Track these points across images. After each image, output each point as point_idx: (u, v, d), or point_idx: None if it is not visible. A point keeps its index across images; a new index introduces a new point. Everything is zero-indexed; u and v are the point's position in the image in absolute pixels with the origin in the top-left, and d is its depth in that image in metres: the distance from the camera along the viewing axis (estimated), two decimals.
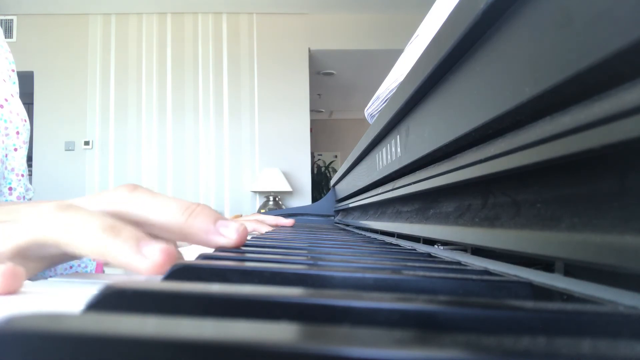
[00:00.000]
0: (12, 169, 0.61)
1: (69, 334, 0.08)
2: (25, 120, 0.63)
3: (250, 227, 0.77)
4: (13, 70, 0.67)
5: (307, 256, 0.29)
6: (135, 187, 0.26)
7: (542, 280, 0.19)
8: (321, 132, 6.09)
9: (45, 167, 3.43)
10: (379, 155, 0.62)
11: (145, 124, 3.50)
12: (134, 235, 0.21)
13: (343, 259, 0.26)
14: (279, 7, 3.52)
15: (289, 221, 0.86)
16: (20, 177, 0.62)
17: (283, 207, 3.35)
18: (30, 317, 0.09)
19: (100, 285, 0.13)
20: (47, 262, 0.26)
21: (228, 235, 0.25)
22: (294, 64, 3.56)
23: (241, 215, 0.76)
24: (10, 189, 0.61)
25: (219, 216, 0.26)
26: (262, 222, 0.79)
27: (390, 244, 0.46)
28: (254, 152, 3.52)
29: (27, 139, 0.64)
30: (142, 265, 0.21)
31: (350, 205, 0.94)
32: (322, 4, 3.49)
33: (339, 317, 0.12)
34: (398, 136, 0.49)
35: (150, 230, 0.25)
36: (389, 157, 0.55)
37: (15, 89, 0.66)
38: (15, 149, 0.61)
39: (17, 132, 0.61)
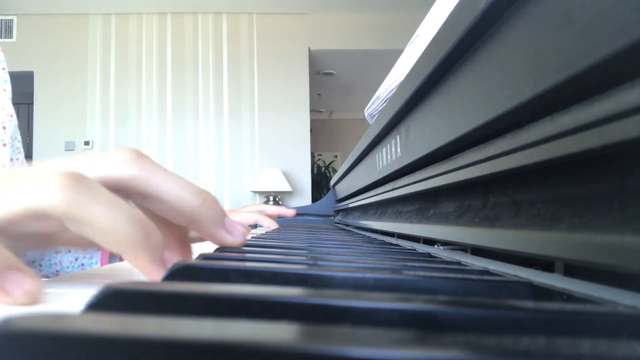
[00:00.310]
0: (3, 165, 0.61)
1: (69, 334, 0.08)
2: (11, 116, 0.63)
3: (252, 218, 0.77)
4: (4, 69, 0.67)
5: (307, 256, 0.29)
6: (141, 155, 0.23)
7: (542, 280, 0.19)
8: (321, 132, 6.09)
9: None
10: (379, 155, 0.62)
11: (145, 124, 3.50)
12: (161, 243, 0.21)
13: (343, 259, 0.26)
14: (279, 7, 3.52)
15: (291, 211, 0.86)
16: None
17: (283, 207, 3.35)
18: (30, 317, 0.09)
19: (100, 286, 0.13)
20: (29, 243, 0.23)
21: (235, 234, 0.25)
22: (294, 64, 3.56)
23: (236, 210, 0.75)
24: None
25: (226, 213, 0.26)
26: (263, 212, 0.79)
27: (390, 244, 0.46)
28: (254, 152, 3.52)
29: (15, 134, 0.64)
30: (159, 277, 0.20)
31: (350, 205, 0.94)
32: (322, 4, 3.49)
33: (339, 317, 0.12)
34: (398, 136, 0.49)
35: (155, 206, 0.23)
36: (389, 157, 0.55)
37: (5, 86, 0.66)
38: (4, 144, 0.61)
39: (4, 127, 0.61)
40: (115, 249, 0.20)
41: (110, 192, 0.20)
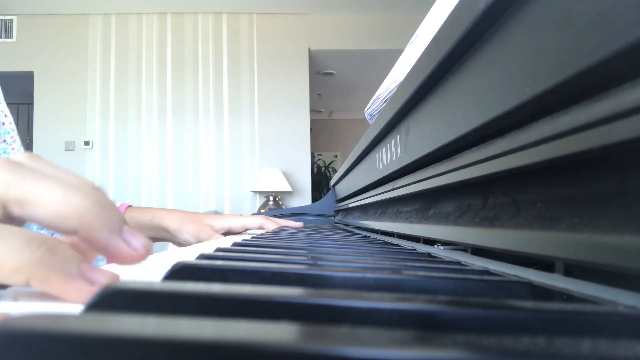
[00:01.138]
0: None
1: (69, 334, 0.08)
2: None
3: (257, 222, 0.78)
4: None
5: (307, 256, 0.29)
6: (14, 162, 0.19)
7: (542, 280, 0.19)
8: (321, 132, 6.09)
9: None
10: (379, 155, 0.62)
11: (145, 124, 3.50)
12: (74, 255, 0.17)
13: (343, 259, 0.26)
14: (279, 7, 3.51)
15: (299, 224, 0.86)
16: None
17: (283, 207, 3.35)
18: (30, 317, 0.09)
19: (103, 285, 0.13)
20: None
21: (134, 246, 0.20)
22: (294, 64, 3.56)
23: (241, 215, 0.75)
24: None
25: (126, 221, 0.21)
26: (270, 219, 0.79)
27: (390, 244, 0.46)
28: (254, 152, 3.51)
29: (4, 137, 0.64)
30: (83, 294, 0.16)
31: (350, 205, 0.94)
32: (322, 4, 3.48)
33: (339, 317, 0.12)
34: (398, 136, 0.49)
35: (36, 213, 0.19)
36: (389, 157, 0.55)
37: None
38: None
39: None
40: (69, 225, 0.18)
41: None
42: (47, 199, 0.18)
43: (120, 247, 0.19)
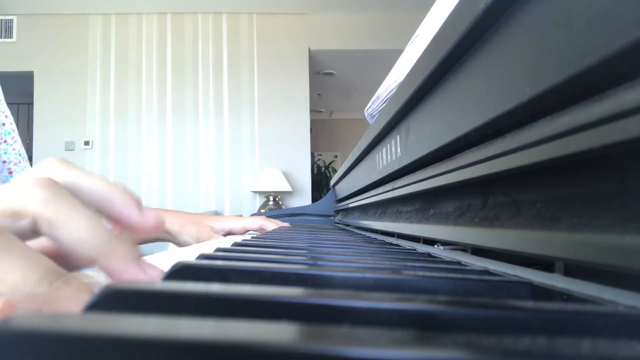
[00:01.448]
0: None
1: (69, 334, 0.08)
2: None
3: (257, 223, 0.78)
4: None
5: (307, 256, 0.29)
6: (55, 183, 0.21)
7: (542, 280, 0.19)
8: (321, 132, 6.09)
9: None
10: (379, 155, 0.62)
11: (145, 124, 3.50)
12: (85, 288, 0.18)
13: (343, 259, 0.26)
14: (279, 7, 3.51)
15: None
16: None
17: (283, 207, 3.35)
18: (30, 317, 0.09)
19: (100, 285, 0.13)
20: None
21: (150, 274, 0.21)
22: (294, 64, 3.56)
23: (241, 215, 0.75)
24: None
25: (139, 255, 0.22)
26: (270, 220, 0.80)
27: (390, 244, 0.46)
28: (254, 152, 3.51)
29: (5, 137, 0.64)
30: (138, 275, 0.19)
31: (350, 205, 0.94)
32: (322, 4, 3.48)
33: (339, 317, 0.12)
34: (398, 136, 0.49)
35: (63, 234, 0.20)
36: (389, 157, 0.55)
37: None
38: None
39: None
40: (89, 252, 0.19)
41: (19, 246, 0.18)
42: (75, 225, 0.20)
43: (137, 276, 0.20)
